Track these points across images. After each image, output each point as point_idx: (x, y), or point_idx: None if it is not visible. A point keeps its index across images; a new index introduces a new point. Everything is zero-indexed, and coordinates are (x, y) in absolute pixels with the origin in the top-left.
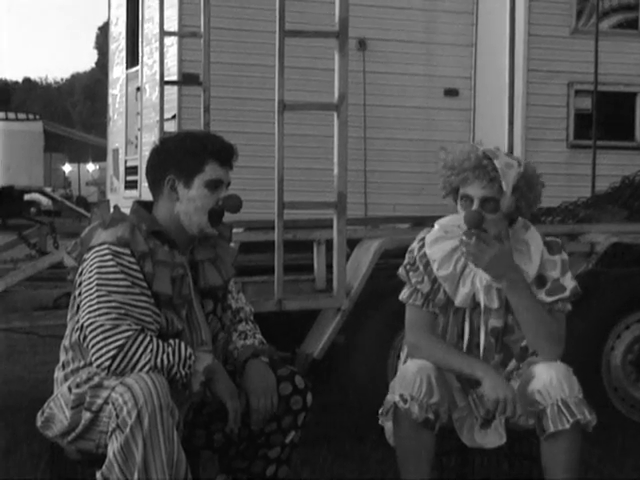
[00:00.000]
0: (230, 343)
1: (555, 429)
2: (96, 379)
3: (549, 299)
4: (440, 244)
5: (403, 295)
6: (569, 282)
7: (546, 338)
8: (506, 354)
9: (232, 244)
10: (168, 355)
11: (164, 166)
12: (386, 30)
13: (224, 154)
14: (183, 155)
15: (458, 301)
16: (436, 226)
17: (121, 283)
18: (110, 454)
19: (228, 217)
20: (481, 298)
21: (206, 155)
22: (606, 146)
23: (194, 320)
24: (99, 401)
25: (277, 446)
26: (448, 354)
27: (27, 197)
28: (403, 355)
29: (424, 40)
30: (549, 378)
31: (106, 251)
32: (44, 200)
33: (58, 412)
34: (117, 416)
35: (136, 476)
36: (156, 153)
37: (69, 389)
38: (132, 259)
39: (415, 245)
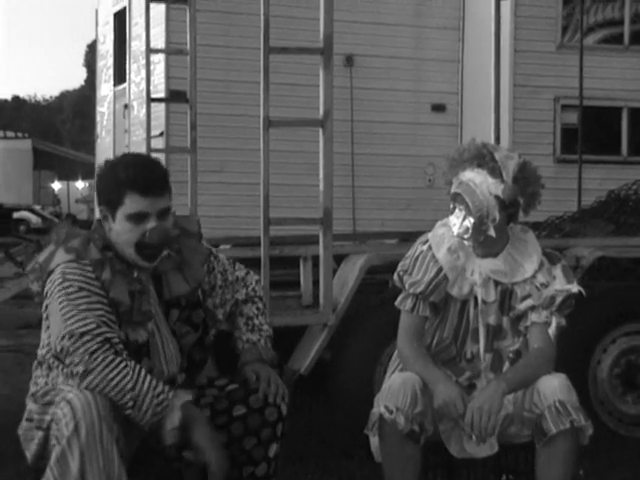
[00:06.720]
0: (236, 329)
1: (557, 430)
2: (47, 398)
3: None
4: (444, 238)
5: (397, 300)
6: (574, 287)
7: (545, 372)
8: (496, 357)
9: (204, 242)
10: (145, 381)
11: (97, 195)
12: (373, 46)
13: (142, 183)
14: (104, 186)
15: (455, 292)
16: (438, 223)
17: (85, 300)
18: (48, 467)
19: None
20: (478, 291)
21: (123, 186)
22: (592, 160)
23: (161, 335)
24: (47, 418)
25: (263, 462)
26: (417, 363)
27: (16, 215)
28: (390, 370)
29: (411, 56)
30: (547, 383)
31: (61, 273)
32: (33, 218)
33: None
34: (58, 430)
35: None
36: (96, 178)
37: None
38: (88, 268)
39: (417, 246)
